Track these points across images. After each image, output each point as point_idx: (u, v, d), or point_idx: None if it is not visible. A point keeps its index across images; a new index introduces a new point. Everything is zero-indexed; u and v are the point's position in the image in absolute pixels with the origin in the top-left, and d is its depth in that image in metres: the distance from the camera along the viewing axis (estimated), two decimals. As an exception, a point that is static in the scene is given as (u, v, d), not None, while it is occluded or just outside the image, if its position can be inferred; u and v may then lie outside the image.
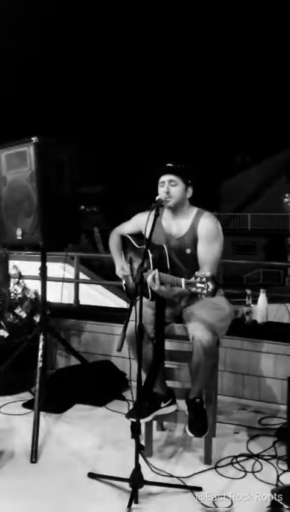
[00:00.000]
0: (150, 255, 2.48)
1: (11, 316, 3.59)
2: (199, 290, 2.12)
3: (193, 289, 2.14)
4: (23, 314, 3.60)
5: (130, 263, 2.83)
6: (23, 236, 3.04)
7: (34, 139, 2.91)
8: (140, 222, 2.80)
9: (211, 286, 2.09)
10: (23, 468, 2.53)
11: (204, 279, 2.11)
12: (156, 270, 2.36)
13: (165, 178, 2.63)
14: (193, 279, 2.15)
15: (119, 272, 2.84)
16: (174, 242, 2.66)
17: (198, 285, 2.12)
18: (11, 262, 4.15)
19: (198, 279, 2.13)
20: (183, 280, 2.21)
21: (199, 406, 2.52)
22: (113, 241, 2.95)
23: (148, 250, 2.49)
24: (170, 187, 2.61)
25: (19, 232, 3.05)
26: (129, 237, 2.85)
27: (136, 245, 2.79)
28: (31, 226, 2.97)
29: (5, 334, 3.46)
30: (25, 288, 3.83)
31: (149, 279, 2.37)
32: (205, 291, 2.10)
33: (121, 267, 2.83)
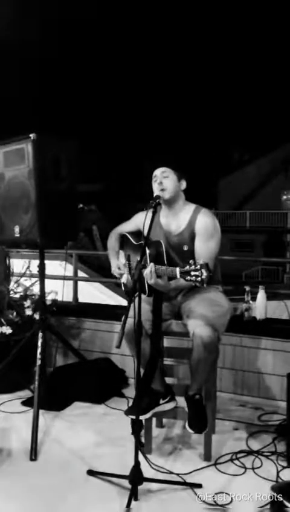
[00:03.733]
0: (147, 251, 2.48)
1: (13, 314, 3.59)
2: (194, 278, 2.12)
3: (188, 277, 2.14)
4: (29, 312, 3.60)
5: (128, 260, 2.82)
6: (21, 233, 3.03)
7: (32, 136, 2.90)
8: (139, 221, 2.81)
9: (205, 273, 2.10)
10: (22, 466, 2.53)
11: (198, 267, 2.12)
12: (152, 264, 2.36)
13: (157, 171, 2.67)
14: (187, 267, 2.16)
15: (114, 270, 2.84)
16: (173, 239, 2.66)
17: (192, 273, 2.13)
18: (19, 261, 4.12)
19: (192, 266, 2.14)
20: (178, 269, 2.22)
21: (198, 403, 2.52)
22: (111, 240, 2.96)
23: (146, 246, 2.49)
24: (162, 179, 2.62)
25: (16, 229, 3.04)
26: (128, 235, 2.85)
27: (134, 242, 2.79)
28: (28, 223, 2.97)
29: (8, 330, 3.46)
30: (28, 288, 3.82)
31: (146, 272, 2.36)
32: (199, 278, 2.11)
33: (117, 266, 2.82)
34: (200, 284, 2.13)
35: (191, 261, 2.17)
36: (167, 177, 2.63)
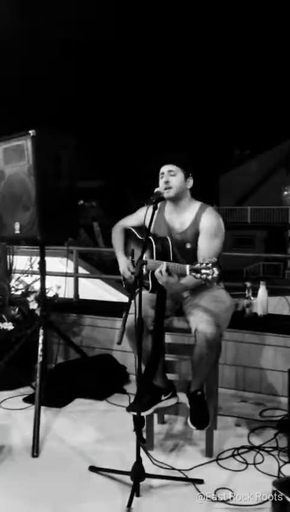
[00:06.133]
0: (154, 246, 2.47)
1: (15, 310, 3.58)
2: (204, 276, 2.08)
3: (198, 275, 2.10)
4: (33, 306, 3.59)
5: (132, 255, 2.81)
6: (21, 230, 3.02)
7: (31, 132, 2.89)
8: (142, 216, 2.79)
9: (216, 272, 2.06)
10: (23, 463, 2.53)
11: (210, 265, 2.08)
12: (165, 263, 2.32)
13: (164, 169, 2.64)
14: (197, 265, 2.12)
15: (125, 272, 2.74)
16: (177, 236, 2.65)
17: (203, 271, 2.08)
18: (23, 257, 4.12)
19: (203, 264, 2.10)
20: (187, 266, 2.18)
21: (200, 399, 2.52)
22: (116, 235, 2.90)
23: (153, 242, 2.47)
24: (169, 177, 2.60)
25: (17, 226, 3.03)
26: (132, 229, 2.83)
27: (138, 236, 2.77)
28: (29, 220, 2.95)
29: (10, 326, 3.46)
30: (29, 285, 3.82)
31: (157, 272, 2.34)
32: (209, 277, 2.06)
33: (127, 267, 2.73)
34: (209, 283, 2.09)
35: (201, 259, 2.13)
36: (173, 176, 2.61)
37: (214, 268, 2.07)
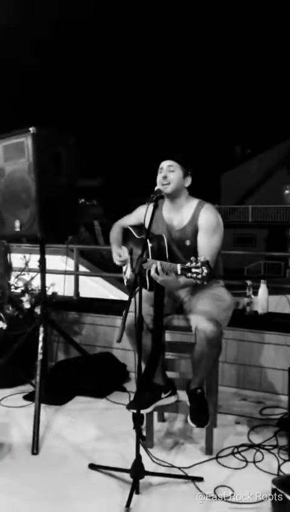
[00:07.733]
0: (149, 245, 2.47)
1: (11, 308, 3.58)
2: (194, 275, 2.10)
3: (189, 274, 2.12)
4: (27, 305, 3.59)
5: (131, 254, 2.81)
6: (21, 228, 3.02)
7: (31, 129, 2.89)
8: (141, 214, 2.79)
9: (205, 271, 2.08)
10: (23, 460, 2.53)
11: (199, 264, 2.09)
12: (158, 262, 2.33)
13: (163, 164, 2.64)
14: (188, 264, 2.13)
15: (115, 258, 2.81)
16: (176, 234, 2.65)
17: (193, 270, 2.10)
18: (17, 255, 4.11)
19: (193, 263, 2.11)
20: (179, 266, 2.19)
21: (200, 397, 2.52)
22: (114, 232, 2.94)
23: (148, 240, 2.47)
24: (168, 172, 2.60)
25: (17, 223, 3.03)
26: (130, 229, 2.84)
27: (136, 236, 2.78)
28: (29, 217, 2.95)
29: (4, 326, 3.46)
30: (28, 282, 3.81)
31: (153, 272, 2.34)
32: (199, 276, 2.08)
33: (118, 254, 2.80)
34: (200, 281, 2.10)
35: (192, 258, 2.14)
36: (172, 172, 2.61)
37: (203, 267, 2.08)
